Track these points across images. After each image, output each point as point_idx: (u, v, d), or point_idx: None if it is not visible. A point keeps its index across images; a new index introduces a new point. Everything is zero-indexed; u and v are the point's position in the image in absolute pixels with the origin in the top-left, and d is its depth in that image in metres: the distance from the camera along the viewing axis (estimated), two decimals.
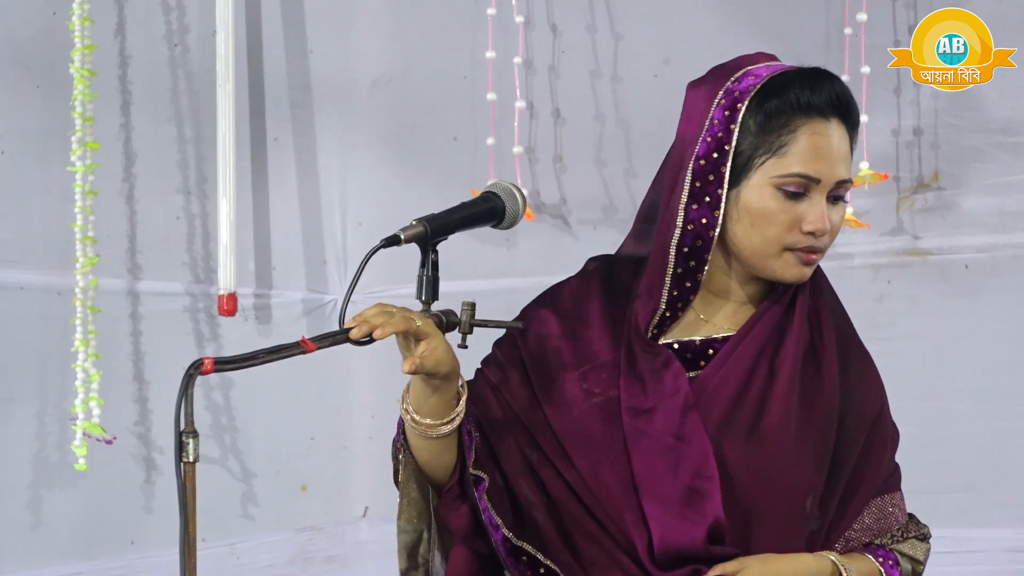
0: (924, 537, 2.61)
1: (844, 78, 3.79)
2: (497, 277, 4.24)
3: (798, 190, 2.46)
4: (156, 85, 4.09)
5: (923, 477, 3.81)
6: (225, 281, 4.08)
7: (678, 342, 2.52)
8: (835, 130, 2.47)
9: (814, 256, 2.49)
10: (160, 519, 4.01)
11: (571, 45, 4.19)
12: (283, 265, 4.38)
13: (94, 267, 3.82)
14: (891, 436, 2.62)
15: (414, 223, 2.39)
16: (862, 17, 3.77)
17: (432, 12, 4.38)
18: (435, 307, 2.42)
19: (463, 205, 2.46)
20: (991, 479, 3.77)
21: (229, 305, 4.08)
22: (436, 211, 2.45)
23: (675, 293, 2.52)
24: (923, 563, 2.59)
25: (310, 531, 4.40)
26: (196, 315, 4.15)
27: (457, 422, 2.44)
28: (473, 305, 2.42)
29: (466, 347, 2.42)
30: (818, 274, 2.57)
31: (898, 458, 3.60)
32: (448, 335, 2.42)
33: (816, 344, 2.53)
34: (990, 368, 3.78)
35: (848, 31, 3.80)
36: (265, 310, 4.32)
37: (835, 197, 2.48)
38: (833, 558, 2.48)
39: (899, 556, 2.56)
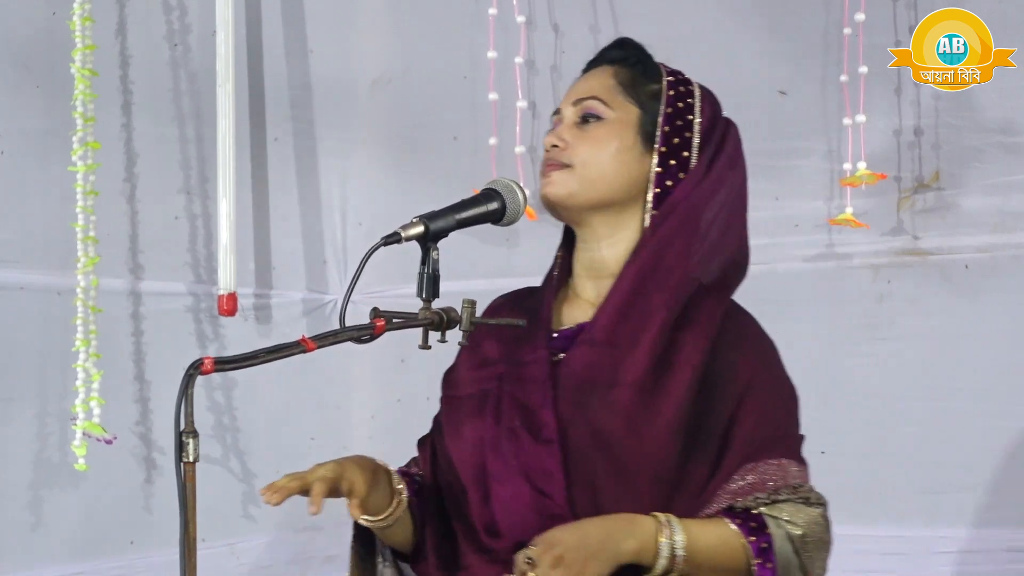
0: (809, 502, 2.53)
1: (843, 78, 3.81)
2: (497, 277, 4.23)
3: (554, 126, 2.66)
4: (157, 85, 4.09)
5: (923, 477, 3.81)
6: (225, 281, 4.08)
7: (558, 331, 2.60)
8: (596, 70, 2.66)
9: (549, 168, 2.63)
10: (160, 519, 4.01)
11: (572, 45, 4.19)
12: (283, 265, 4.38)
13: (95, 267, 3.82)
14: (774, 402, 2.56)
15: (414, 221, 2.41)
16: (860, 17, 3.77)
17: (432, 12, 4.38)
18: (435, 305, 2.42)
19: (463, 203, 2.48)
20: (991, 479, 3.77)
21: (229, 305, 4.07)
22: (437, 209, 2.46)
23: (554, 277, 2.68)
24: (803, 527, 2.50)
25: (310, 531, 4.40)
26: (198, 315, 4.15)
27: (396, 516, 2.55)
28: (474, 303, 2.44)
29: (466, 344, 2.43)
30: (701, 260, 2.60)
31: (899, 457, 3.59)
32: (449, 332, 2.43)
33: (683, 317, 2.54)
34: (990, 368, 3.77)
35: (848, 31, 3.80)
36: (265, 310, 4.32)
37: (585, 117, 2.61)
38: (660, 516, 2.45)
39: (768, 519, 2.49)
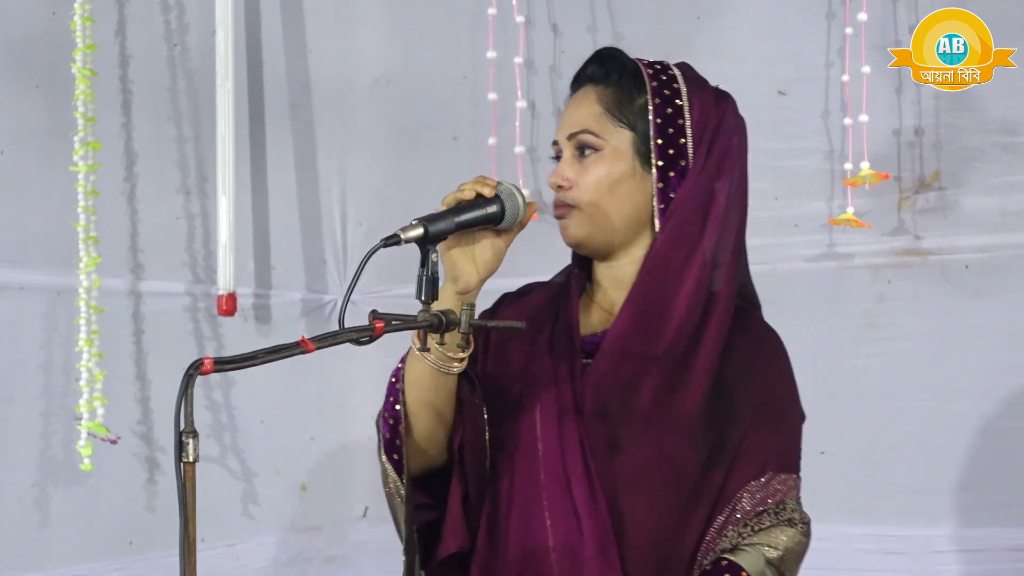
0: (792, 523, 2.59)
1: (844, 78, 3.81)
2: (497, 277, 4.23)
3: (555, 156, 2.65)
4: (156, 85, 4.09)
5: (923, 477, 3.81)
6: (224, 281, 4.08)
7: (591, 335, 2.63)
8: (581, 94, 2.63)
9: (562, 209, 2.62)
10: (162, 519, 4.01)
11: (572, 45, 4.18)
12: (283, 265, 4.37)
13: (96, 267, 3.82)
14: (783, 417, 2.63)
15: (414, 223, 2.41)
16: (862, 17, 3.77)
17: (432, 12, 4.38)
18: (435, 307, 2.42)
19: (462, 205, 2.48)
20: (991, 479, 3.77)
21: (228, 305, 4.07)
22: (436, 211, 2.47)
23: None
24: (782, 549, 2.56)
25: (310, 531, 4.40)
26: (196, 315, 4.15)
27: (467, 356, 2.52)
28: (472, 305, 2.44)
29: (467, 345, 2.43)
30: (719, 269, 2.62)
31: (899, 457, 3.58)
32: (447, 334, 2.43)
33: (701, 330, 2.57)
34: (990, 368, 3.77)
35: (848, 31, 3.80)
36: (265, 310, 4.32)
37: (581, 148, 2.61)
38: None
39: (741, 553, 2.54)
